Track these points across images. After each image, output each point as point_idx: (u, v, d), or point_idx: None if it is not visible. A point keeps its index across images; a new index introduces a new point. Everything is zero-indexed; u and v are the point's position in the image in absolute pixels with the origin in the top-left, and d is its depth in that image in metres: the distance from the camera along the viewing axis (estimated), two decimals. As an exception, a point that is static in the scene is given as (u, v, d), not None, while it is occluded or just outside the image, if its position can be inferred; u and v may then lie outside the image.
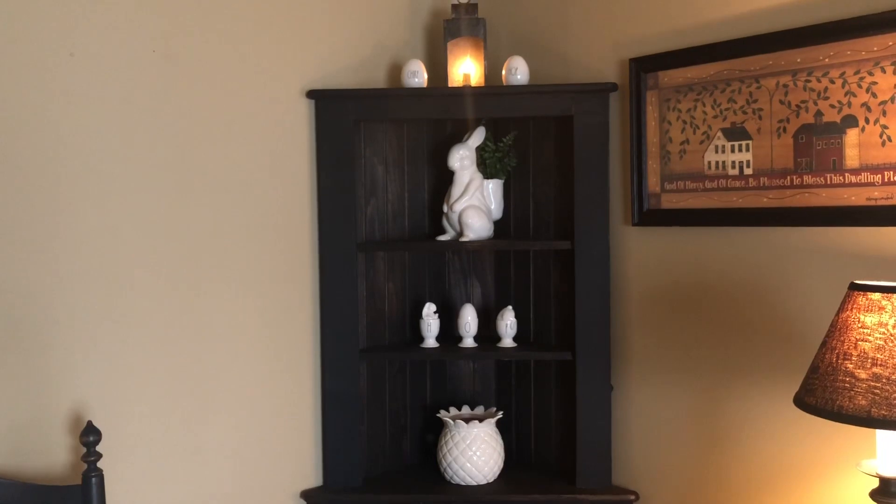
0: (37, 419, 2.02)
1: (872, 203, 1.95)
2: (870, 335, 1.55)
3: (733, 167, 2.23)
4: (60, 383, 2.05)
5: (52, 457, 2.04)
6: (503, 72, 2.57)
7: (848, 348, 1.58)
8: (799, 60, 2.07)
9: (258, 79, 2.43)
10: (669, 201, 2.38)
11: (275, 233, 2.49)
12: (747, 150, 2.19)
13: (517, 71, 2.55)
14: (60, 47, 2.05)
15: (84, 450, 1.91)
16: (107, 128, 2.13)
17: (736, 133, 2.21)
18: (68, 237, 2.07)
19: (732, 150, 2.23)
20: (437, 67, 2.72)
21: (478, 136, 2.64)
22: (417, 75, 2.57)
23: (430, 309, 2.65)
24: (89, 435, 1.89)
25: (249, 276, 2.43)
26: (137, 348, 2.19)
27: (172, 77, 2.25)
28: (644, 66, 2.40)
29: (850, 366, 1.55)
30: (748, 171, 2.19)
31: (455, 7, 2.63)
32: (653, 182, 2.41)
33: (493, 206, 2.70)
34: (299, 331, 2.55)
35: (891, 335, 1.52)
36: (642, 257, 2.47)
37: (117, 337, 2.15)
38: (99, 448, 1.92)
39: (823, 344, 1.66)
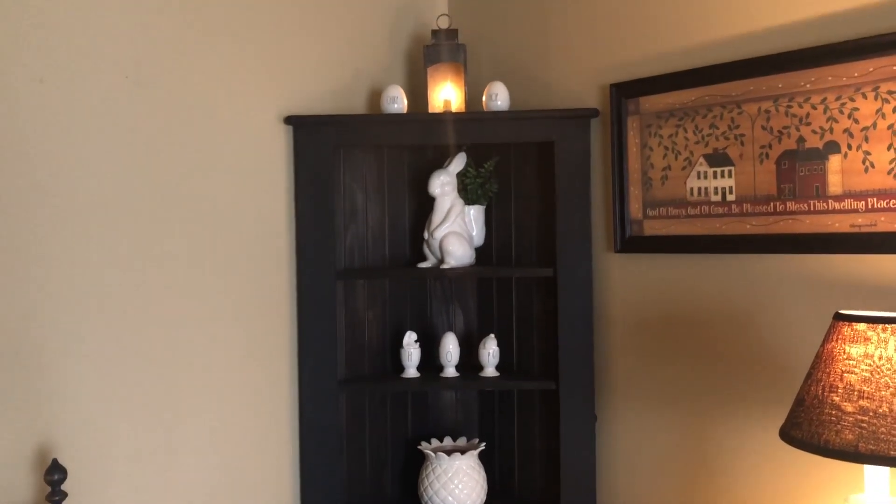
0: (1, 455, 1.95)
1: (856, 230, 1.92)
2: (856, 367, 1.51)
3: (716, 193, 2.20)
4: (26, 418, 1.99)
5: (16, 496, 1.97)
6: (484, 97, 2.55)
7: (834, 380, 1.54)
8: (780, 86, 2.05)
9: (235, 104, 2.39)
10: (652, 228, 2.35)
11: (252, 261, 2.44)
12: (730, 176, 2.17)
13: (497, 97, 2.53)
14: (29, 73, 2.01)
15: (49, 489, 1.84)
16: (78, 155, 2.09)
17: (718, 159, 2.19)
18: (37, 267, 2.01)
19: (715, 176, 2.20)
20: (418, 93, 2.69)
21: (459, 162, 2.60)
22: (397, 101, 2.54)
23: (410, 338, 2.60)
24: (54, 473, 1.82)
25: (226, 306, 2.38)
26: (109, 382, 2.13)
27: (146, 103, 2.21)
28: (625, 92, 2.38)
29: (837, 398, 1.51)
30: (731, 198, 2.16)
31: (435, 33, 2.61)
32: (635, 208, 2.38)
33: (474, 233, 2.66)
34: (277, 362, 2.50)
35: (877, 367, 1.48)
36: (625, 285, 2.44)
37: (88, 370, 2.09)
38: (65, 486, 1.85)
39: (809, 376, 1.62)
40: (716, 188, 2.20)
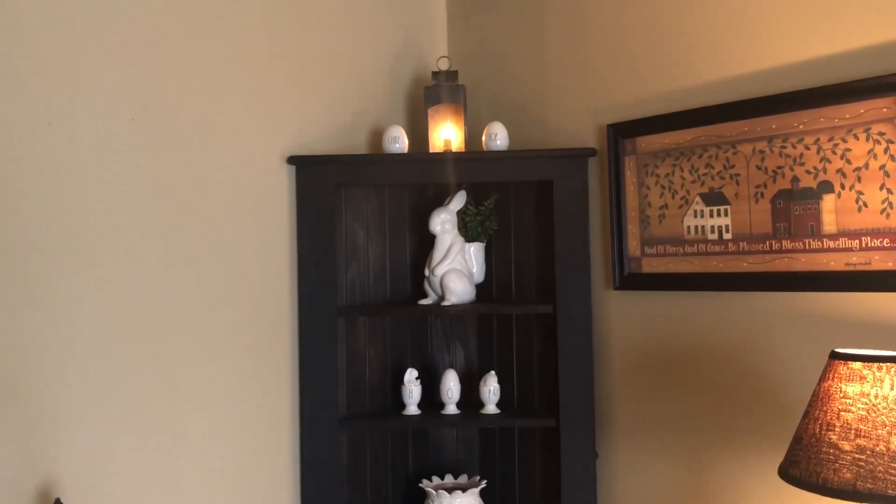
0: (3, 495, 1.96)
1: (851, 268, 1.95)
2: (852, 405, 1.53)
3: (712, 232, 2.23)
4: (29, 459, 2.00)
5: (19, 535, 1.97)
6: (483, 137, 2.59)
7: (831, 419, 1.56)
8: (774, 127, 2.09)
9: (238, 145, 2.44)
10: (650, 265, 2.37)
11: (254, 298, 2.46)
12: (726, 214, 2.20)
13: (497, 136, 2.57)
14: (38, 117, 2.05)
15: (52, 529, 1.85)
16: (85, 197, 2.12)
17: (714, 198, 2.22)
18: (43, 306, 2.04)
19: (711, 215, 2.23)
20: (419, 133, 2.74)
21: (459, 200, 2.64)
22: (398, 141, 2.58)
23: (411, 375, 2.61)
24: (57, 513, 1.83)
25: (228, 342, 2.40)
26: (109, 420, 2.14)
27: (152, 145, 2.25)
28: (622, 132, 2.43)
29: (834, 437, 1.53)
30: (727, 236, 2.19)
31: (435, 74, 2.66)
32: (633, 246, 2.41)
33: (474, 270, 2.69)
34: (278, 398, 2.51)
35: (873, 406, 1.50)
36: (624, 321, 2.46)
37: (91, 410, 2.10)
38: (67, 526, 1.86)
39: (806, 414, 1.64)
40: (712, 226, 2.23)
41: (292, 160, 2.52)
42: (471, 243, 2.68)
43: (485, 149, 2.58)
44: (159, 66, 2.27)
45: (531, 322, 2.65)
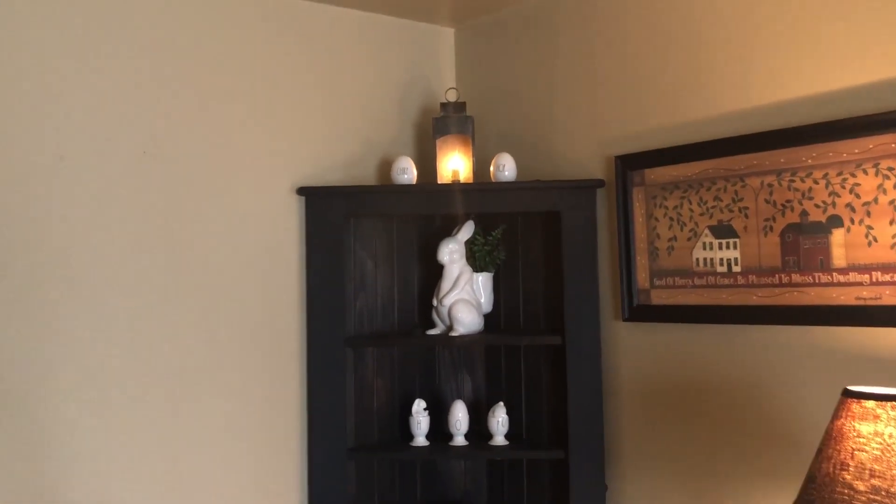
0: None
1: (861, 303, 1.95)
2: (866, 445, 1.52)
3: (721, 264, 2.23)
4: (38, 491, 1.99)
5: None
6: (491, 168, 2.60)
7: (845, 458, 1.55)
8: (783, 161, 2.10)
9: (249, 177, 2.45)
10: (659, 297, 2.37)
11: (263, 329, 2.47)
12: (735, 247, 2.20)
13: (505, 167, 2.58)
14: (50, 151, 2.06)
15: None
16: (96, 228, 2.13)
17: (723, 231, 2.23)
18: (55, 341, 2.04)
19: (720, 248, 2.24)
20: (426, 163, 2.75)
21: (467, 231, 2.65)
22: (407, 172, 2.59)
23: (419, 406, 2.61)
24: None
25: (236, 372, 2.40)
26: (116, 456, 2.14)
27: (163, 177, 2.26)
28: (630, 164, 2.44)
29: (848, 477, 1.52)
30: (736, 269, 2.20)
31: (444, 105, 2.68)
32: (642, 278, 2.42)
33: (482, 300, 2.69)
34: (286, 429, 2.50)
35: (888, 445, 1.50)
36: (633, 353, 2.45)
37: (97, 441, 2.10)
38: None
39: (819, 452, 1.63)
40: (721, 259, 2.23)
41: (302, 191, 2.53)
42: (479, 273, 2.68)
43: (493, 179, 2.59)
44: (170, 99, 2.29)
45: (540, 352, 2.65)
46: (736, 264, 2.20)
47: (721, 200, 2.23)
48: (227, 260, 2.39)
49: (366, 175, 2.74)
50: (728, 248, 2.22)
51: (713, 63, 2.26)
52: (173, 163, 2.29)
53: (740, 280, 2.19)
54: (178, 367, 2.27)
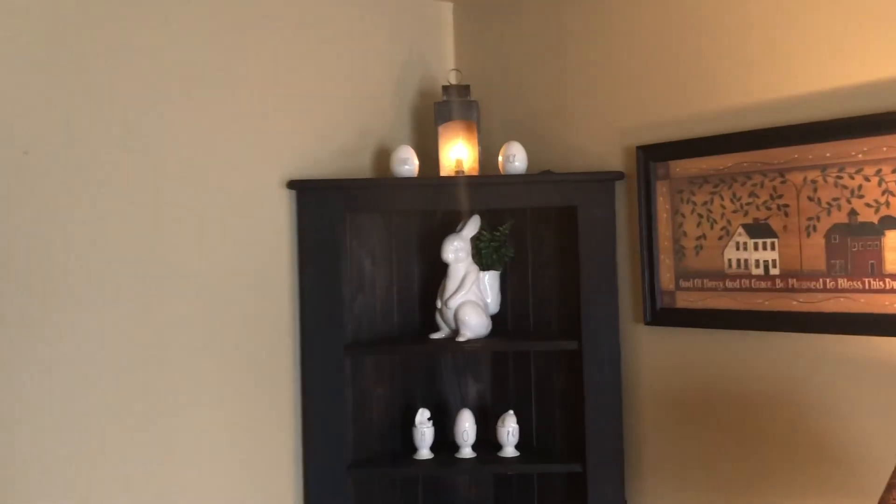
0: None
1: (919, 312, 1.79)
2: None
3: (757, 266, 2.06)
4: (8, 532, 1.78)
5: None
6: (500, 159, 2.39)
7: (927, 497, 1.39)
8: (829, 155, 1.92)
9: (234, 170, 2.21)
10: (686, 300, 2.20)
11: (254, 335, 2.25)
12: (773, 248, 2.03)
13: (515, 158, 2.37)
14: (12, 145, 1.81)
15: None
16: (68, 230, 1.89)
17: (759, 230, 2.05)
18: (25, 353, 1.81)
19: (756, 248, 2.06)
20: (427, 152, 2.53)
21: (472, 226, 2.44)
22: (408, 162, 2.37)
23: (423, 416, 2.41)
24: None
25: (226, 384, 2.18)
26: (102, 463, 1.92)
27: (139, 170, 2.02)
28: (653, 155, 2.24)
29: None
30: (774, 272, 2.02)
31: (446, 89, 2.45)
32: (666, 279, 2.23)
33: (489, 300, 2.49)
34: (280, 444, 2.30)
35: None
36: (657, 360, 2.28)
37: (78, 460, 1.88)
38: None
39: (891, 488, 1.47)
40: (757, 261, 2.06)
41: (292, 185, 2.31)
42: (485, 272, 2.49)
43: (502, 171, 2.39)
44: (147, 87, 2.05)
45: (552, 357, 2.46)
46: (774, 266, 2.02)
47: (757, 197, 2.05)
48: (211, 262, 2.16)
49: (361, 166, 2.51)
50: (765, 248, 2.04)
51: (750, 44, 2.07)
52: (150, 156, 2.05)
53: (779, 284, 2.01)
54: (160, 378, 2.05)
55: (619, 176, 2.30)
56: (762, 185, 2.04)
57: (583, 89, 2.43)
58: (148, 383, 2.03)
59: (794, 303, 1.98)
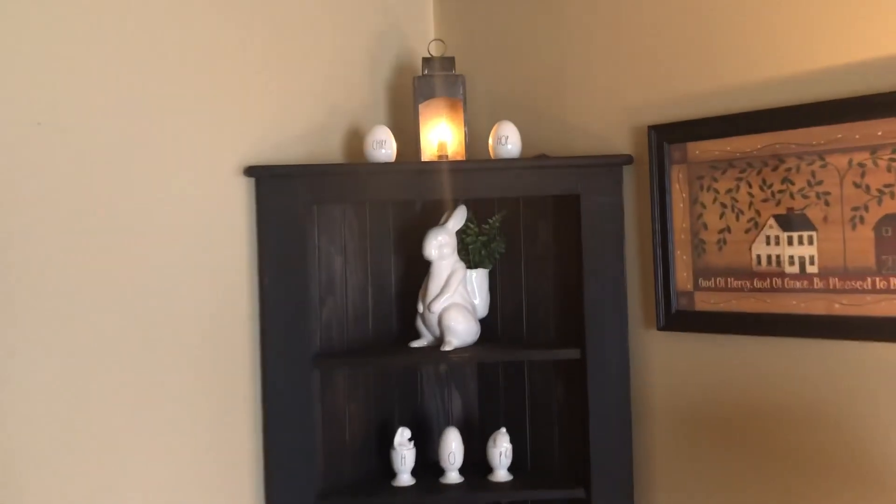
0: None
1: None
2: None
3: (792, 263, 1.78)
4: None
5: None
6: (490, 141, 2.09)
7: None
8: (880, 134, 1.64)
9: (182, 155, 1.88)
10: (706, 302, 1.92)
11: (207, 348, 1.92)
12: (810, 242, 1.75)
13: (507, 140, 2.07)
14: None
15: None
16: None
17: (794, 221, 1.77)
18: None
19: (790, 243, 1.78)
20: (407, 134, 2.22)
21: (458, 218, 2.14)
22: (385, 145, 2.06)
23: (403, 436, 2.11)
24: None
25: (173, 406, 1.86)
26: (44, 490, 1.59)
27: (66, 157, 1.68)
28: (668, 136, 1.96)
29: None
30: (812, 269, 1.75)
31: (427, 61, 2.14)
32: (683, 277, 1.95)
33: (477, 302, 2.20)
34: (239, 476, 1.98)
35: None
36: (671, 370, 2.00)
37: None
38: None
39: None
40: (791, 257, 1.78)
41: (251, 171, 1.98)
42: (473, 270, 2.19)
43: (492, 155, 2.08)
44: (75, 57, 1.70)
45: (549, 366, 2.17)
46: (811, 263, 1.75)
47: (792, 184, 1.77)
48: (153, 264, 1.83)
49: (330, 150, 2.19)
50: (801, 243, 1.77)
51: (783, 5, 1.79)
52: (78, 137, 1.71)
53: (818, 283, 1.74)
54: (96, 400, 1.73)
55: (628, 160, 2.02)
56: (798, 170, 1.76)
57: (585, 60, 2.13)
58: (77, 402, 1.70)
59: (837, 305, 1.71)
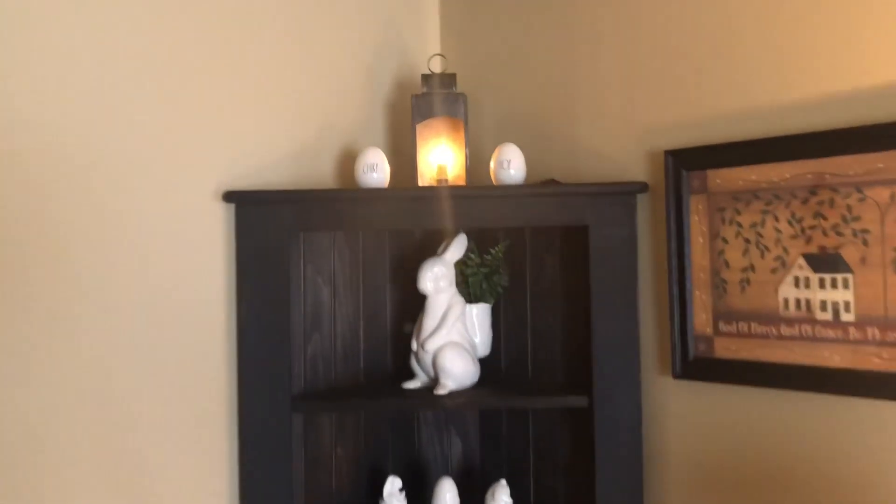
0: None
1: None
2: None
3: (824, 309, 1.57)
4: None
5: None
6: (492, 164, 1.91)
7: None
8: (927, 164, 1.43)
9: (155, 176, 1.73)
10: (726, 348, 1.71)
11: (177, 389, 1.77)
12: (846, 286, 1.54)
13: (509, 164, 1.89)
14: None
15: None
16: None
17: (827, 262, 1.56)
18: None
19: (822, 286, 1.57)
20: (403, 156, 2.05)
21: (457, 248, 1.97)
22: (377, 169, 1.90)
23: (393, 485, 1.93)
24: None
25: (140, 455, 1.70)
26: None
27: (25, 179, 1.55)
28: (686, 162, 1.76)
29: None
30: (847, 317, 1.54)
31: (426, 78, 1.98)
32: (701, 320, 1.75)
33: (477, 340, 2.01)
34: (211, 523, 1.82)
35: None
36: (688, 423, 1.79)
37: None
38: None
39: None
40: (823, 302, 1.57)
41: (230, 196, 1.83)
42: (473, 304, 2.01)
43: (494, 181, 1.91)
44: (32, 66, 1.57)
45: (555, 413, 1.99)
46: (847, 310, 1.54)
47: (825, 219, 1.56)
48: (125, 293, 1.68)
49: (321, 174, 2.04)
50: (834, 286, 1.56)
51: (817, 17, 1.58)
52: (38, 157, 1.57)
53: (854, 334, 1.53)
54: (52, 452, 1.58)
55: (642, 188, 1.82)
56: (832, 204, 1.55)
57: (597, 78, 1.94)
58: (30, 454, 1.56)
59: (876, 360, 1.50)
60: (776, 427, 1.65)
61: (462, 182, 1.97)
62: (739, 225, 1.69)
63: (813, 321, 1.58)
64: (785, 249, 1.62)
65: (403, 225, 1.99)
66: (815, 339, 1.58)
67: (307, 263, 1.96)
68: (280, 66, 1.96)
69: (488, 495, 1.93)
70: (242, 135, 1.88)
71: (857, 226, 1.52)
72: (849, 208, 1.53)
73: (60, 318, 1.59)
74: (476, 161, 2.02)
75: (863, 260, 1.52)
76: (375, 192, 1.88)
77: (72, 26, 1.62)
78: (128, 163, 1.69)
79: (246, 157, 1.89)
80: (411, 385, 1.97)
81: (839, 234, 1.55)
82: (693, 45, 1.77)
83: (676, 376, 1.78)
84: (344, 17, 2.09)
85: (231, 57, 1.87)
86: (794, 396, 1.62)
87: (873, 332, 1.50)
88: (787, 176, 1.61)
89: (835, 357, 1.56)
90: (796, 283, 1.61)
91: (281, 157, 1.95)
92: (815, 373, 1.58)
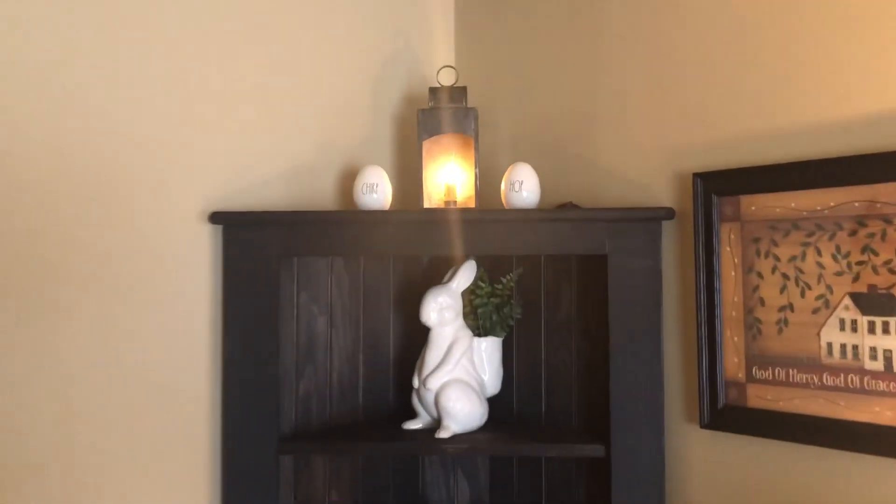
0: None
1: None
2: None
3: (873, 357, 1.37)
4: None
5: None
6: (503, 186, 1.75)
7: None
8: None
9: (136, 196, 1.60)
10: (761, 397, 1.52)
11: (157, 428, 1.63)
12: (900, 332, 1.34)
13: (522, 186, 1.73)
14: None
15: None
16: None
17: (878, 303, 1.36)
18: None
19: (872, 330, 1.37)
20: (410, 175, 1.90)
21: (465, 276, 1.81)
22: (376, 190, 1.74)
23: (391, 535, 1.77)
24: None
25: (122, 491, 1.56)
26: None
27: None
28: (717, 186, 1.57)
29: None
30: (902, 368, 1.34)
31: (434, 92, 1.82)
32: (733, 364, 1.56)
33: (486, 377, 1.84)
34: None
35: None
36: (715, 479, 1.60)
37: None
38: None
39: None
40: (873, 349, 1.37)
41: (217, 217, 1.69)
42: (482, 338, 1.84)
43: (505, 204, 1.74)
44: (8, 80, 1.45)
45: (570, 461, 1.80)
46: (900, 360, 1.34)
47: (876, 254, 1.37)
48: (97, 324, 1.55)
49: (322, 194, 1.89)
50: (886, 331, 1.36)
51: (868, 27, 1.39)
52: (10, 175, 1.45)
53: (909, 387, 1.33)
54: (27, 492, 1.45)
55: (669, 214, 1.64)
56: (884, 237, 1.36)
57: (621, 93, 1.77)
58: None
59: (935, 418, 1.30)
60: (816, 489, 1.45)
61: (472, 204, 1.81)
62: (776, 258, 1.49)
63: (861, 370, 1.38)
64: (829, 287, 1.42)
65: (406, 250, 1.83)
66: (863, 391, 1.38)
67: (301, 290, 1.81)
68: (276, 78, 1.82)
69: (494, 550, 1.76)
70: (233, 151, 1.75)
71: (913, 263, 1.33)
72: (904, 242, 1.33)
73: (38, 348, 1.46)
74: (488, 181, 1.86)
75: (920, 302, 1.32)
76: (374, 215, 1.72)
77: (55, 41, 1.49)
78: (107, 183, 1.56)
79: (235, 177, 1.75)
80: (412, 425, 1.80)
81: (892, 271, 1.35)
82: (726, 57, 1.59)
83: (704, 426, 1.59)
84: (349, 27, 1.95)
85: (224, 69, 1.73)
86: (837, 456, 1.42)
87: (932, 387, 1.30)
88: (832, 204, 1.42)
89: (886, 413, 1.35)
90: (842, 325, 1.41)
91: (274, 175, 1.81)
92: (864, 430, 1.38)
